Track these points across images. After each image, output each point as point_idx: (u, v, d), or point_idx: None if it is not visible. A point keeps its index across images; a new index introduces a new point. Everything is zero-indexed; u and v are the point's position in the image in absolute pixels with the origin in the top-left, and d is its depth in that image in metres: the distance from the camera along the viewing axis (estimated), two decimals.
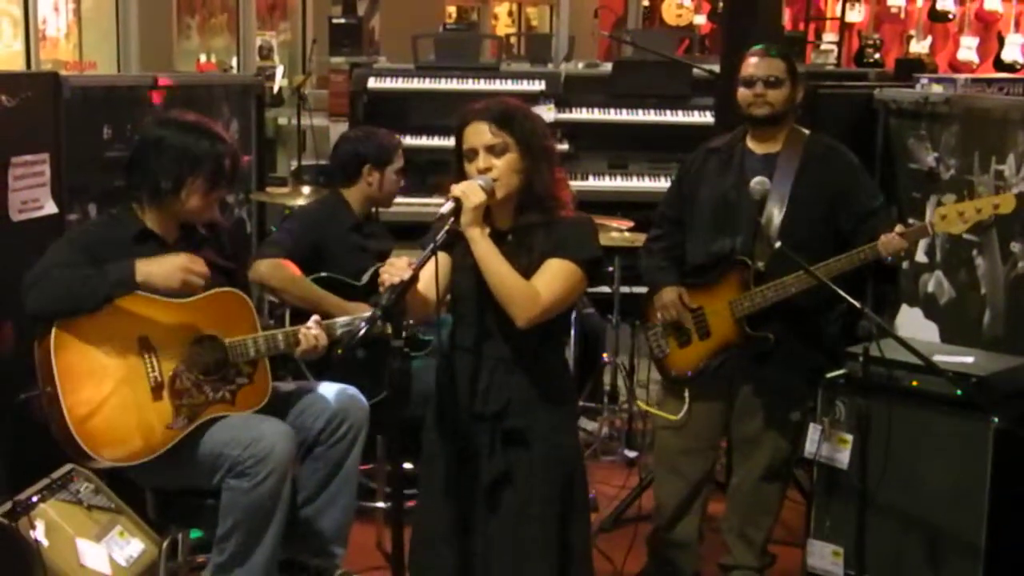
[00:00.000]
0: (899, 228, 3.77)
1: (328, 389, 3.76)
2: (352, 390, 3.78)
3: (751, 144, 4.08)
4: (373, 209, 4.68)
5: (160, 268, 3.38)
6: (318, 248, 4.35)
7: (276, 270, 4.22)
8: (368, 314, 3.14)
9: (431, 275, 2.88)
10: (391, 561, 2.95)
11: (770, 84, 3.99)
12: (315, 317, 3.61)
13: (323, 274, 4.30)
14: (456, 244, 3.00)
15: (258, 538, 3.49)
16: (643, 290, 4.29)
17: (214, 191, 3.59)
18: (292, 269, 4.23)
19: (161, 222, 3.59)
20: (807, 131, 4.10)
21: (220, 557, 3.51)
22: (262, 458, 3.41)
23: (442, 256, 2.98)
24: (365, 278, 4.34)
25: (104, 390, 3.39)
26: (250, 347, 3.52)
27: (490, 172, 2.99)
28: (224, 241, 3.79)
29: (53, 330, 3.35)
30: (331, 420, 3.66)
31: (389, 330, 2.76)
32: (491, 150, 3.00)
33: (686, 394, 4.14)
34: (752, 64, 4.02)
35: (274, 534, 3.51)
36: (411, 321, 3.13)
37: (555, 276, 3.01)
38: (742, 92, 4.03)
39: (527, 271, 2.99)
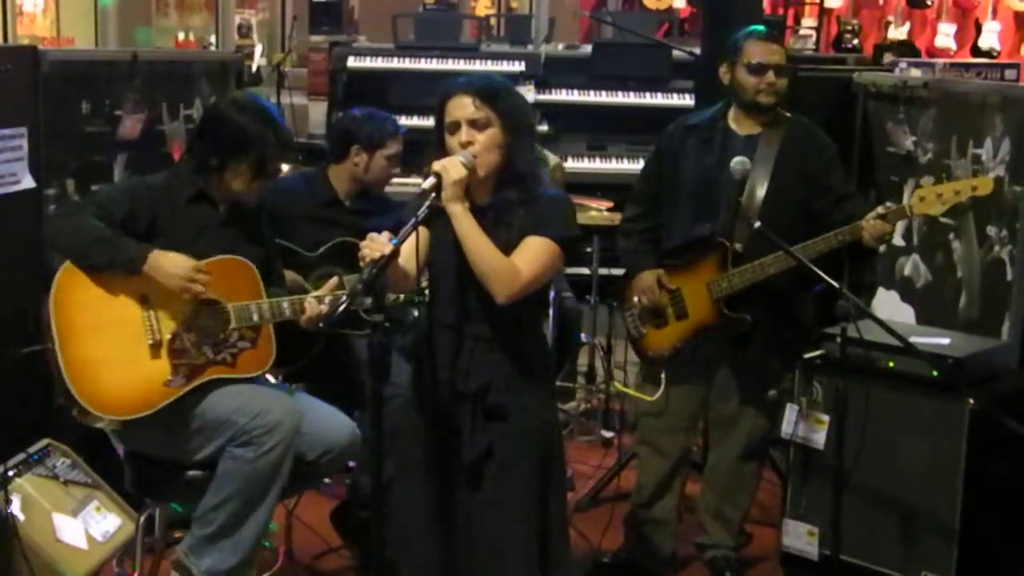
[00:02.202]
0: (880, 209, 3.77)
1: (326, 419, 3.69)
2: (347, 420, 3.73)
3: (733, 124, 4.06)
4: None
5: (169, 266, 3.44)
6: (271, 215, 4.30)
7: None
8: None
9: (411, 249, 2.88)
10: (369, 538, 2.94)
11: (780, 72, 3.95)
12: (329, 284, 3.61)
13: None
14: (435, 219, 2.99)
15: (252, 510, 3.47)
16: (621, 272, 4.30)
17: (257, 179, 3.61)
18: None
19: (216, 189, 3.64)
20: (788, 113, 4.09)
21: (206, 528, 3.48)
22: (270, 429, 3.42)
23: (421, 230, 2.98)
24: (321, 250, 4.28)
25: (102, 345, 3.44)
26: (254, 312, 3.54)
27: (471, 146, 2.98)
28: (266, 221, 3.81)
29: (53, 287, 3.43)
30: (324, 454, 3.62)
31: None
32: (473, 124, 3.00)
33: (662, 376, 4.15)
34: (762, 50, 3.94)
35: (267, 509, 3.50)
36: (391, 296, 3.11)
37: (535, 253, 3.01)
38: (749, 79, 3.95)
39: (506, 248, 2.99)
